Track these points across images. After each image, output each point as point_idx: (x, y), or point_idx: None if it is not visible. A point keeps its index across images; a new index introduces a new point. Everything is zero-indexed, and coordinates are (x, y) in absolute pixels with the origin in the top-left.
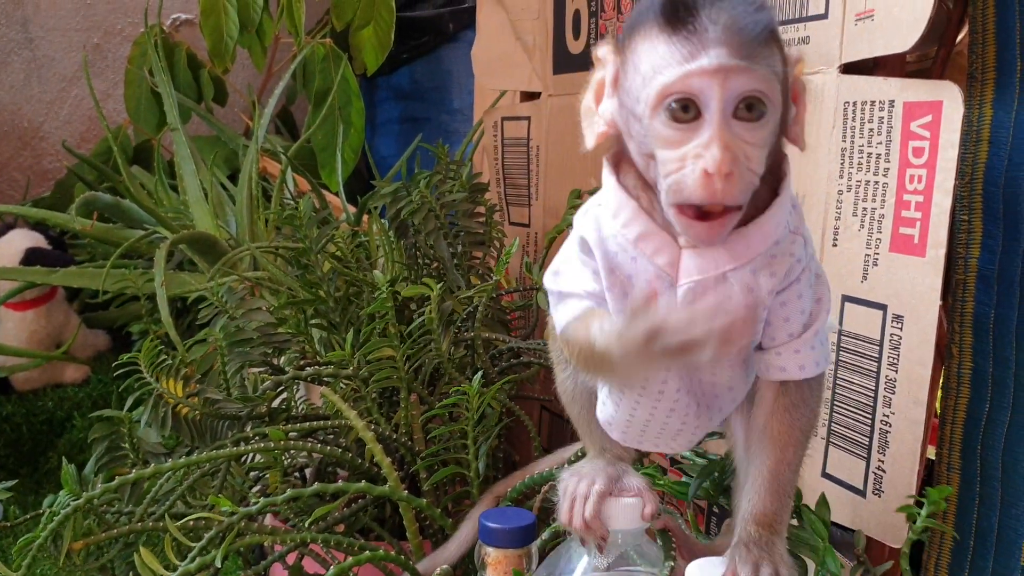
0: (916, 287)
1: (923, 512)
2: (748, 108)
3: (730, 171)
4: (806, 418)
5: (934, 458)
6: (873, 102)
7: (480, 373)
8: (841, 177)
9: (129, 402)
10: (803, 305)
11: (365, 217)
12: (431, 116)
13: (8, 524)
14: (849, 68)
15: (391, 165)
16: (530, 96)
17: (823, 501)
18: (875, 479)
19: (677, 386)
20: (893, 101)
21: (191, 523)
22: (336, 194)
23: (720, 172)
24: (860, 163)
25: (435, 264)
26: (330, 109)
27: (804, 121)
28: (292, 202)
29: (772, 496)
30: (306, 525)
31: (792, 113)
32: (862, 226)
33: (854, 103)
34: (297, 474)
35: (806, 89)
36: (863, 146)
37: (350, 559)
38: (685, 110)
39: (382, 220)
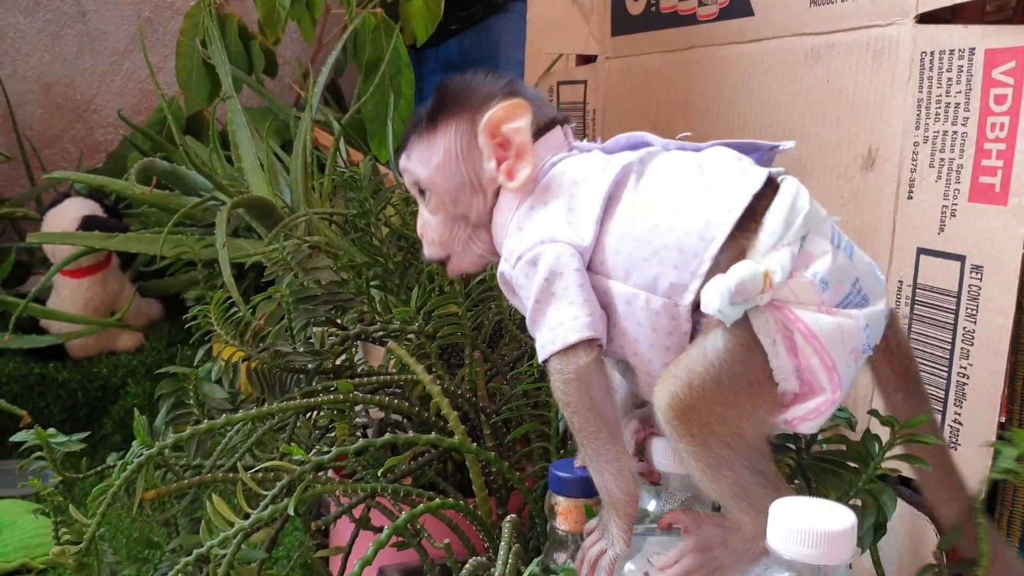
0: (997, 236)
1: (1009, 452)
2: (420, 192)
3: (422, 233)
4: (556, 399)
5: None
6: (952, 51)
7: None
8: (917, 128)
9: (200, 354)
10: (524, 303)
11: None
12: None
13: (79, 475)
14: (925, 18)
15: None
16: (586, 60)
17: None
18: (951, 432)
19: None
20: (974, 49)
21: (260, 475)
22: (386, 164)
23: (419, 234)
24: (937, 113)
25: None
26: (381, 79)
27: (519, 155)
28: (345, 170)
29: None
30: (379, 475)
31: (488, 163)
32: (939, 177)
33: (931, 52)
34: (359, 433)
35: (513, 129)
36: (941, 96)
37: (421, 505)
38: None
39: None
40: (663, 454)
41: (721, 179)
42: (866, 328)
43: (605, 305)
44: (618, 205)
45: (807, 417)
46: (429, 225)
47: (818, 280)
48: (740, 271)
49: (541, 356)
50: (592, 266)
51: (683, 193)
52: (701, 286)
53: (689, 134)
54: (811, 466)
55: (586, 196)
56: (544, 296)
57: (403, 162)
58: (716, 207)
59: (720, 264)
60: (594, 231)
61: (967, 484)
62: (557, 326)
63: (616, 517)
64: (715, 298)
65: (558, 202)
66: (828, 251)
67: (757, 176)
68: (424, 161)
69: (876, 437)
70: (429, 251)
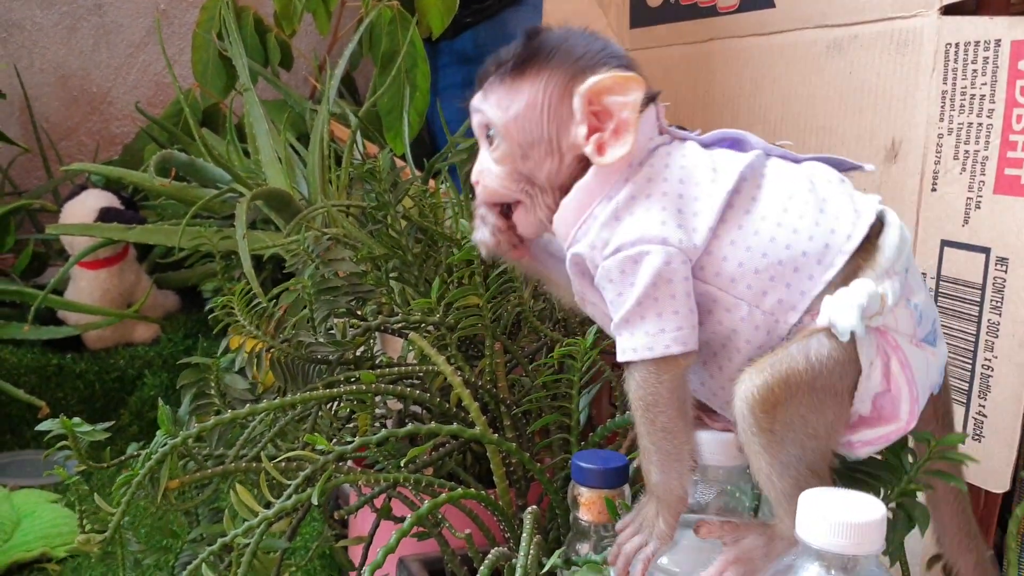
0: (1022, 229)
1: None
2: (488, 137)
3: (476, 180)
4: (638, 398)
5: None
6: (977, 42)
7: (594, 328)
8: (941, 120)
9: (223, 345)
10: (607, 295)
11: (431, 181)
12: None
13: (104, 465)
14: (950, 10)
15: (452, 131)
16: None
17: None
18: (975, 424)
19: None
20: (1000, 40)
21: (283, 464)
22: (402, 157)
23: (473, 180)
24: (962, 105)
25: None
26: (397, 72)
27: (618, 131)
28: (363, 163)
29: (645, 462)
30: (401, 464)
31: (577, 128)
32: (964, 169)
33: (956, 44)
34: (378, 424)
35: (620, 105)
36: (965, 88)
37: (444, 495)
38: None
39: (453, 179)
40: (716, 449)
41: (834, 201)
42: (942, 367)
43: (698, 306)
44: (731, 212)
45: (873, 442)
46: (488, 173)
47: (917, 312)
48: (864, 289)
49: (629, 356)
50: (692, 269)
51: (800, 211)
52: (808, 307)
53: (789, 142)
54: (843, 474)
55: (699, 199)
56: (648, 300)
57: (477, 101)
58: (834, 231)
59: (831, 287)
60: (707, 238)
61: (981, 537)
62: (658, 333)
63: (667, 513)
64: (844, 313)
65: (666, 199)
66: (922, 286)
67: (870, 204)
68: (503, 107)
69: (911, 450)
70: (484, 192)
